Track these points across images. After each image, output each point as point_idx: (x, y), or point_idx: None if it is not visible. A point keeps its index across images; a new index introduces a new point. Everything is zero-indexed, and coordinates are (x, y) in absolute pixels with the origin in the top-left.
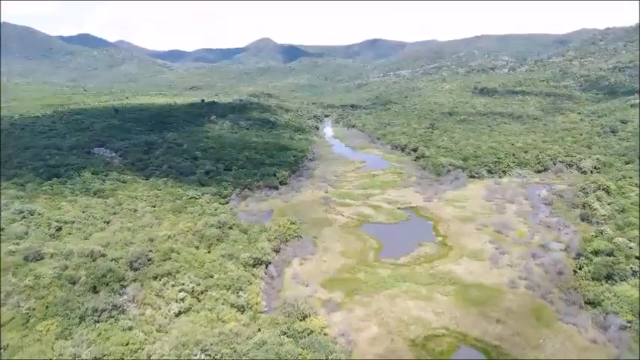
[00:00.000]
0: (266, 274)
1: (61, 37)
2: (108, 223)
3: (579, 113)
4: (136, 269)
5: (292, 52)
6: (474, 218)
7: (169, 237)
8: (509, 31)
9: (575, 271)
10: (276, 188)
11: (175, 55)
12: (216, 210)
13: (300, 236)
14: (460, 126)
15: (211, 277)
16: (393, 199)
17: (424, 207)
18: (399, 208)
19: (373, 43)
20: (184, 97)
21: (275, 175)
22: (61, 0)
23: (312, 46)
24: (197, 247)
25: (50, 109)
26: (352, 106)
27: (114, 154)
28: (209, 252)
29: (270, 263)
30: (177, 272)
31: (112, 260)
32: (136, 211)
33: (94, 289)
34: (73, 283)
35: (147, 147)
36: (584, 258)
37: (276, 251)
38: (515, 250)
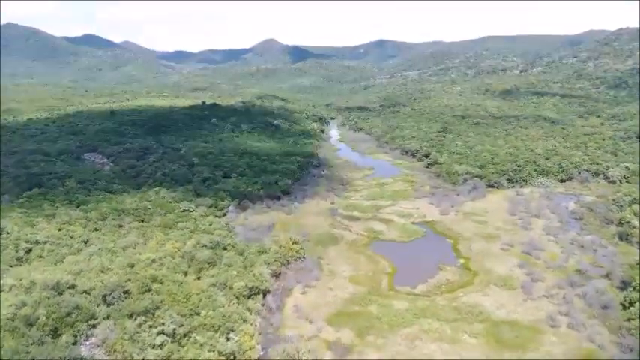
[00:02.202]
0: (263, 305)
1: (66, 38)
2: (86, 242)
3: (599, 117)
4: (109, 304)
5: (298, 53)
6: (497, 235)
7: (153, 261)
8: (515, 32)
9: (624, 306)
10: (278, 198)
11: (180, 56)
12: (210, 225)
13: (304, 256)
14: (474, 130)
15: (197, 314)
16: (406, 211)
17: (441, 221)
18: (412, 223)
19: (379, 45)
20: (187, 98)
21: (277, 184)
22: (66, 0)
23: (318, 47)
24: (185, 273)
25: (46, 111)
26: (359, 108)
27: (105, 160)
28: (198, 278)
29: (268, 292)
30: (158, 308)
31: (82, 293)
32: (121, 227)
33: (55, 332)
34: (30, 325)
35: (141, 152)
36: (632, 289)
37: (276, 276)
38: (550, 277)
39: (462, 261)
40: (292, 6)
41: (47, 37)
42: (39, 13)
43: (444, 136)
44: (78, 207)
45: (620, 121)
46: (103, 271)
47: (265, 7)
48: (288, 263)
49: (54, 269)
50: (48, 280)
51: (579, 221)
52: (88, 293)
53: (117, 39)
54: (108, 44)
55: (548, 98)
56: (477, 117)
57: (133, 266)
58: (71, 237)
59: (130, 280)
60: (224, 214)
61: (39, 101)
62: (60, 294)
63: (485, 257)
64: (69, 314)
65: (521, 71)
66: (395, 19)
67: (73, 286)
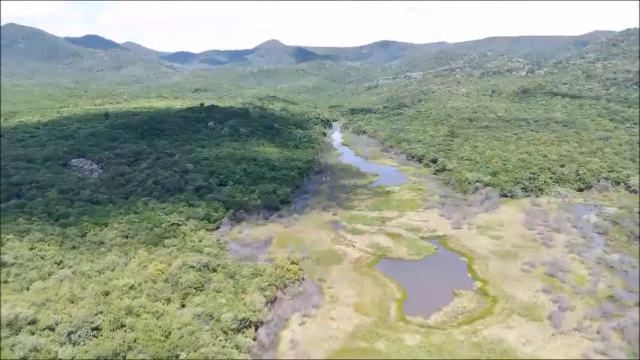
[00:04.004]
0: (255, 340)
1: (68, 38)
2: (59, 264)
3: (612, 119)
4: (75, 343)
5: (301, 54)
6: (516, 253)
7: (131, 287)
8: (519, 33)
9: None
10: (276, 209)
11: (183, 57)
12: (200, 241)
13: (303, 278)
14: (482, 133)
15: (176, 357)
16: (415, 224)
17: (453, 236)
18: (422, 238)
19: (383, 45)
20: (186, 99)
21: (276, 193)
22: (69, 0)
23: (321, 47)
24: (167, 301)
25: (38, 114)
26: (362, 110)
27: (94, 167)
28: (183, 306)
29: (261, 324)
30: (130, 349)
31: (44, 329)
32: (101, 244)
33: None
34: None
35: (133, 158)
36: None
37: (271, 302)
38: (580, 305)
39: (478, 284)
40: (295, 6)
41: (49, 37)
42: (40, 13)
43: (452, 140)
44: (57, 221)
45: (634, 124)
46: (72, 301)
47: (268, 7)
48: (285, 287)
49: (16, 299)
50: (4, 315)
51: (603, 236)
52: (52, 330)
53: (119, 39)
54: (110, 45)
55: (559, 100)
56: (485, 120)
57: (107, 294)
58: (42, 258)
59: (101, 312)
60: (217, 227)
61: (35, 103)
62: (17, 332)
63: (505, 280)
64: (23, 359)
65: (527, 72)
66: (398, 20)
67: (33, 322)
